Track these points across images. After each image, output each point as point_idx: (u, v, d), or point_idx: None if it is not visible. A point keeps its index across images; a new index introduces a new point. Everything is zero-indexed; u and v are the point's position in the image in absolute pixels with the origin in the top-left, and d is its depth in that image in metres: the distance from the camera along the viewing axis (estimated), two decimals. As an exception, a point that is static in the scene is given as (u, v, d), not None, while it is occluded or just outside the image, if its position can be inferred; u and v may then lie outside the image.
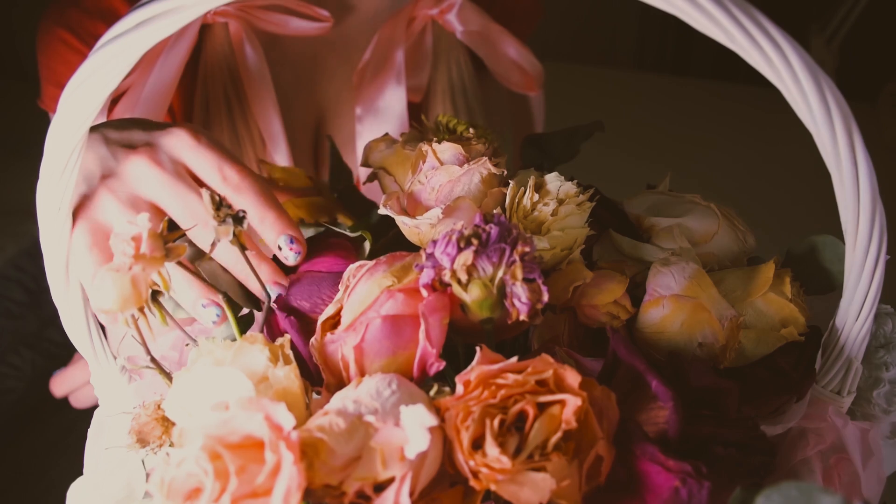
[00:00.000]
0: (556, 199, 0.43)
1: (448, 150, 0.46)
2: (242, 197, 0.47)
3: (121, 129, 0.49)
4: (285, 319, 0.43)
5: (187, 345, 0.45)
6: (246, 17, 0.68)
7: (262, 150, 0.74)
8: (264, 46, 0.72)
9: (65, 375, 0.79)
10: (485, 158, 0.46)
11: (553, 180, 0.45)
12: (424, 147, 0.47)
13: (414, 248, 0.45)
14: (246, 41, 0.69)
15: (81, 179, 0.47)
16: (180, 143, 0.48)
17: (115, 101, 0.68)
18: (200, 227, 0.46)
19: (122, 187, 0.47)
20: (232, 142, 0.73)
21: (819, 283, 0.47)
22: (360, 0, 0.76)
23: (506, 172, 0.47)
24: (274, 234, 0.47)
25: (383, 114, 0.76)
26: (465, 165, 0.45)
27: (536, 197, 0.44)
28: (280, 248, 0.47)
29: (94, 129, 0.49)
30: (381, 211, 0.46)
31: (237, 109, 0.72)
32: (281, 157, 0.73)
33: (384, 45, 0.75)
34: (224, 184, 0.47)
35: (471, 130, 0.49)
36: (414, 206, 0.47)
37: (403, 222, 0.45)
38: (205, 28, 0.70)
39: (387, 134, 0.53)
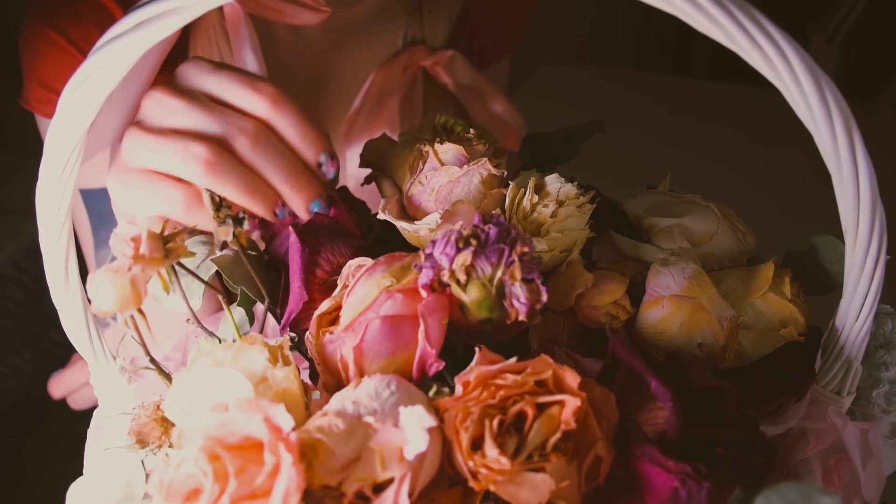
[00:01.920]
0: (555, 200, 0.43)
1: (450, 150, 0.46)
2: (281, 112, 0.46)
3: None
4: (298, 246, 0.43)
5: (188, 321, 0.45)
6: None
7: None
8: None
9: (63, 377, 0.79)
10: (485, 159, 0.45)
11: (553, 182, 0.45)
12: (425, 148, 0.47)
13: (412, 248, 0.45)
14: (244, 22, 0.65)
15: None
16: (197, 70, 0.47)
17: None
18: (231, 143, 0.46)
19: (147, 121, 0.46)
20: None
21: (819, 284, 0.47)
22: (354, 8, 0.76)
23: (506, 173, 0.47)
24: (315, 151, 0.47)
25: None
26: (465, 166, 0.45)
27: (536, 198, 0.44)
28: (321, 165, 0.47)
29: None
30: (380, 216, 0.46)
31: None
32: None
33: (377, 92, 0.75)
34: (259, 97, 0.46)
35: (471, 131, 0.49)
36: (413, 208, 0.47)
37: (403, 227, 0.45)
38: None
39: (384, 133, 0.53)
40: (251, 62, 0.66)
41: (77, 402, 0.80)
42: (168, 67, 0.66)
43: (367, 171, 0.53)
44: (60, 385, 0.79)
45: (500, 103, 0.80)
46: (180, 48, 0.66)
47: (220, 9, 0.65)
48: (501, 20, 0.84)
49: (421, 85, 0.79)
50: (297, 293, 0.43)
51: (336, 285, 0.42)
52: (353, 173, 0.78)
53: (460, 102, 0.81)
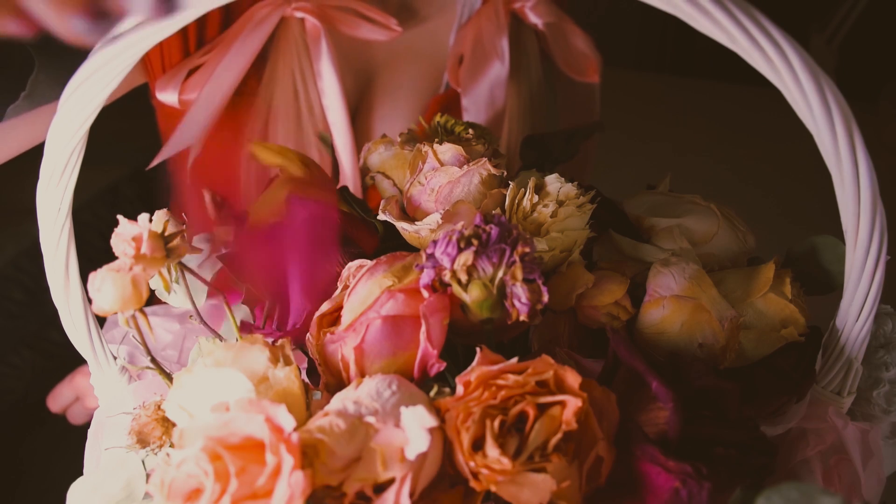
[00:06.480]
0: (555, 200, 0.43)
1: (449, 150, 0.46)
2: None
3: None
4: None
5: (191, 317, 0.44)
6: (324, 15, 0.72)
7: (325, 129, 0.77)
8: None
9: (55, 392, 0.80)
10: (484, 159, 0.45)
11: (553, 182, 0.45)
12: (424, 148, 0.47)
13: (414, 248, 0.45)
14: (323, 37, 0.72)
15: None
16: None
17: (190, 72, 0.71)
18: None
19: None
20: (296, 126, 0.75)
21: (819, 284, 0.47)
22: (423, 15, 0.80)
23: (505, 173, 0.47)
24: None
25: (490, 100, 0.80)
26: (465, 166, 0.45)
27: (536, 198, 0.44)
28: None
29: None
30: (381, 217, 0.46)
31: (303, 96, 0.75)
32: (342, 141, 0.76)
33: (486, 36, 0.79)
34: None
35: (469, 131, 0.49)
36: (413, 208, 0.47)
37: (403, 227, 0.45)
38: (280, 21, 0.73)
39: (385, 135, 0.53)
40: (328, 72, 0.72)
41: (74, 418, 0.80)
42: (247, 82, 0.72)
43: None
44: (55, 400, 0.80)
45: (581, 39, 0.85)
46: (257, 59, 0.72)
47: (302, 24, 0.72)
48: None
49: (509, 29, 0.83)
50: (298, 304, 0.43)
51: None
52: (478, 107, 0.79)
53: (546, 40, 0.85)
